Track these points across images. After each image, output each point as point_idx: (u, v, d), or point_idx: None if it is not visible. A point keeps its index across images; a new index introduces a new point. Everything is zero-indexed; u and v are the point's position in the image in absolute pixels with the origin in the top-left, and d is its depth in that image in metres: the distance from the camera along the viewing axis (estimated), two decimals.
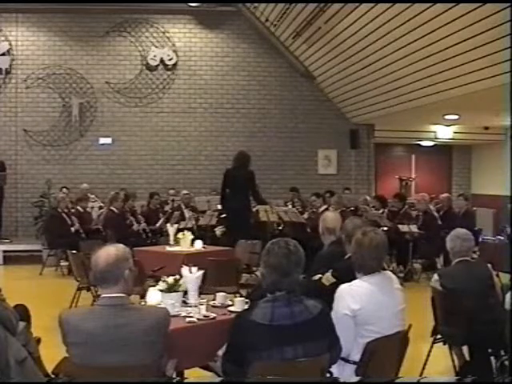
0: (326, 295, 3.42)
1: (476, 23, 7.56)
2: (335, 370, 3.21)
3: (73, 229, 10.10)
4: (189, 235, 7.23)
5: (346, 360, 3.31)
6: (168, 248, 7.31)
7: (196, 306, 3.80)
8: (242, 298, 4.02)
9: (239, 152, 9.78)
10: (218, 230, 10.47)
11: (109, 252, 2.91)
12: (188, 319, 3.59)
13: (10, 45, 12.76)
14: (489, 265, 4.78)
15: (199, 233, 9.49)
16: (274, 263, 3.01)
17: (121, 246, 3.00)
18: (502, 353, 4.34)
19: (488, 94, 8.48)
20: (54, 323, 2.96)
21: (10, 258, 11.14)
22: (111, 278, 2.88)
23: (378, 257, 3.47)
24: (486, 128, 14.04)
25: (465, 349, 4.63)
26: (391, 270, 4.32)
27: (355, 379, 3.28)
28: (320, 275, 4.11)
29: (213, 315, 3.70)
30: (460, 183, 15.70)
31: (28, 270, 10.18)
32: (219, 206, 10.79)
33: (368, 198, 11.77)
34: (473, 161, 15.74)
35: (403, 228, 9.46)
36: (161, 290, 3.72)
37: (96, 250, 2.97)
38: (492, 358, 4.43)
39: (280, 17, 11.74)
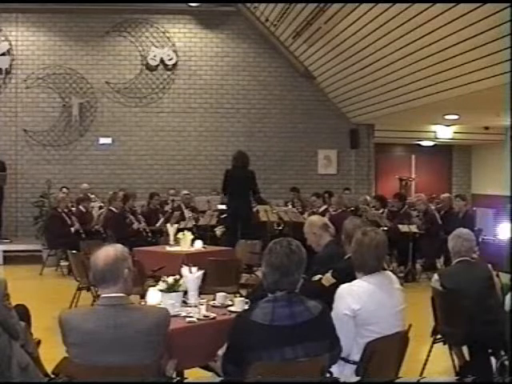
0: (326, 295, 3.42)
1: (476, 23, 7.55)
2: (335, 369, 3.21)
3: (73, 229, 10.10)
4: (189, 235, 7.23)
5: (346, 360, 3.31)
6: (168, 248, 7.30)
7: (196, 306, 3.80)
8: (242, 298, 4.02)
9: (238, 152, 9.79)
10: (218, 230, 10.48)
11: (107, 252, 2.92)
12: (188, 319, 3.59)
13: (10, 45, 12.76)
14: (489, 265, 4.78)
15: (199, 233, 9.49)
16: (275, 262, 3.01)
17: (119, 245, 3.01)
18: (502, 353, 4.34)
19: (488, 94, 8.48)
20: (54, 323, 2.96)
21: (10, 258, 11.13)
22: (110, 278, 2.89)
23: (378, 256, 3.47)
24: (486, 128, 14.04)
25: (465, 349, 4.62)
26: (391, 270, 4.33)
27: (355, 379, 3.28)
28: (320, 276, 4.11)
29: (213, 315, 3.70)
30: (460, 183, 15.71)
31: (28, 270, 10.17)
32: (219, 206, 10.82)
33: (368, 197, 11.78)
34: (473, 161, 15.75)
35: (403, 228, 9.46)
36: (161, 290, 3.73)
37: (96, 250, 2.98)
38: (492, 357, 4.43)
39: (280, 17, 11.73)
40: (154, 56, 13.21)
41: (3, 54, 12.69)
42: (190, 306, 3.80)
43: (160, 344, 2.93)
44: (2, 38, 12.71)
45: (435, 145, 15.04)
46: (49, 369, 3.73)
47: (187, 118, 13.40)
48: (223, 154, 12.96)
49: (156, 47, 13.23)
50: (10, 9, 12.63)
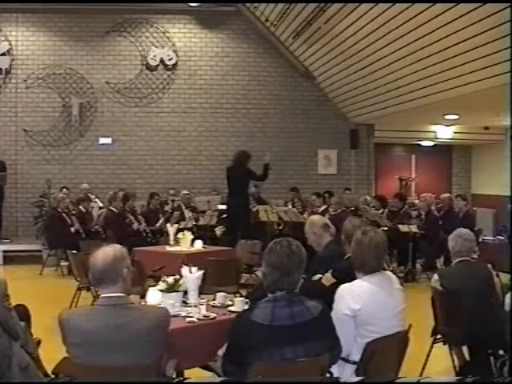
0: (326, 295, 3.42)
1: (476, 23, 7.55)
2: (335, 369, 3.21)
3: (73, 229, 10.10)
4: (189, 235, 7.23)
5: (346, 360, 3.31)
6: (168, 248, 7.31)
7: (196, 306, 3.80)
8: (242, 298, 4.02)
9: (239, 151, 9.90)
10: (218, 230, 10.49)
11: (106, 252, 2.92)
12: (188, 319, 3.59)
13: (10, 45, 12.75)
14: (489, 265, 4.78)
15: (199, 233, 9.50)
16: (275, 262, 3.01)
17: (118, 245, 3.01)
18: (502, 353, 4.33)
19: (488, 94, 8.48)
20: (54, 323, 2.96)
21: (10, 258, 11.12)
22: (110, 278, 2.89)
23: (378, 256, 3.47)
24: (486, 128, 14.04)
25: (465, 349, 4.62)
26: (391, 270, 4.33)
27: (355, 379, 3.28)
28: (320, 275, 4.11)
29: (213, 315, 3.70)
30: (460, 183, 15.69)
31: (28, 270, 10.17)
32: (219, 206, 10.83)
33: (368, 197, 11.77)
34: (473, 161, 15.74)
35: (403, 228, 9.46)
36: (161, 290, 3.73)
37: (95, 250, 2.98)
38: (492, 357, 4.42)
39: (280, 17, 11.73)
40: (154, 56, 13.20)
41: (3, 54, 12.68)
42: (190, 306, 3.80)
43: (160, 344, 2.93)
44: (2, 38, 12.71)
45: (435, 145, 15.03)
46: (49, 369, 3.73)
47: (187, 118, 13.40)
48: (223, 154, 12.96)
49: (156, 47, 13.23)
50: (10, 9, 12.62)
